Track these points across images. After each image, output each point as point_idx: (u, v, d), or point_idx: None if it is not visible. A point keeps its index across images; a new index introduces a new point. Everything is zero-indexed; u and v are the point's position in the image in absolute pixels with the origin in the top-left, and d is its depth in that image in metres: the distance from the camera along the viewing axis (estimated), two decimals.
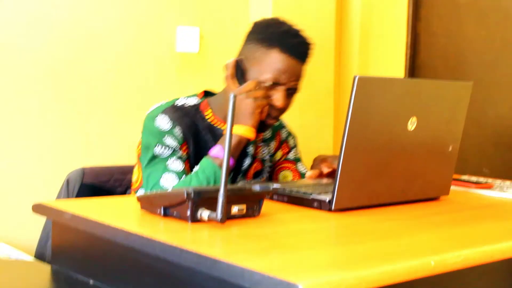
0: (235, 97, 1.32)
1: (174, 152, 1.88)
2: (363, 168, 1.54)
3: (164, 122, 1.91)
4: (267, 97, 1.90)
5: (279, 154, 2.17)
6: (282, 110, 1.94)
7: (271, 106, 1.91)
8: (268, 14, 3.33)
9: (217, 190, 1.29)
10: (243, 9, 3.33)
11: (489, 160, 3.24)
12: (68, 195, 2.26)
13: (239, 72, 1.94)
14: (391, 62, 3.61)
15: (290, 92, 1.95)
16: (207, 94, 2.07)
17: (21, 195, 2.72)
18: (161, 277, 1.23)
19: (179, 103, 2.00)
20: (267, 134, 2.14)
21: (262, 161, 2.12)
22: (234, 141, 1.83)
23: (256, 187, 1.41)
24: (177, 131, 1.91)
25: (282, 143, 2.18)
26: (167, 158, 1.87)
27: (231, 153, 1.74)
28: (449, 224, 1.49)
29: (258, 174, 2.11)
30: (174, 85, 3.05)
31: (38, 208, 1.51)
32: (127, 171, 2.36)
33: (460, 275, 1.42)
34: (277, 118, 1.97)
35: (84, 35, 2.87)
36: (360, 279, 1.03)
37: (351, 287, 1.01)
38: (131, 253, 1.27)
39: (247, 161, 2.05)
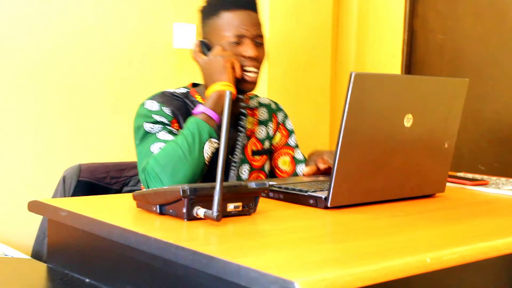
0: (231, 93, 1.32)
1: (164, 127, 1.93)
2: (359, 165, 1.54)
3: (152, 105, 1.97)
4: (238, 54, 1.97)
5: (278, 137, 2.20)
6: (255, 59, 1.99)
7: (244, 59, 1.97)
8: (265, 11, 3.33)
9: (213, 188, 1.29)
10: None
11: (484, 157, 3.24)
12: (64, 192, 2.26)
13: (206, 50, 2.01)
14: (388, 59, 3.61)
15: (258, 42, 2.01)
16: (194, 85, 2.13)
17: (17, 193, 2.72)
18: (157, 274, 1.23)
19: (168, 91, 2.06)
20: (263, 114, 2.18)
21: (261, 141, 2.14)
22: (213, 97, 1.90)
23: (252, 184, 1.41)
24: (166, 109, 1.96)
25: (279, 125, 2.22)
26: (156, 133, 1.91)
27: (212, 108, 1.86)
28: (445, 221, 1.50)
29: (257, 153, 2.12)
30: (171, 81, 3.05)
31: (34, 206, 1.51)
32: (124, 167, 2.37)
33: (456, 272, 1.43)
34: (254, 71, 2.00)
35: (80, 31, 2.87)
36: (356, 276, 1.03)
37: (347, 284, 1.01)
38: (127, 251, 1.27)
39: (242, 136, 2.06)
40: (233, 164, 2.03)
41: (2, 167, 2.71)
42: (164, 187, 1.39)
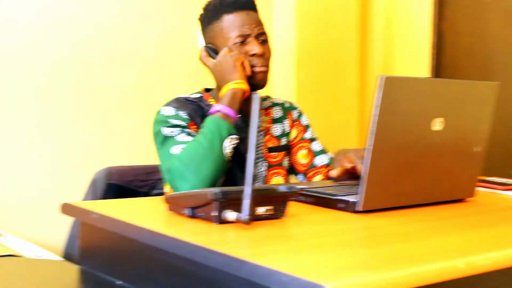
0: (260, 97, 1.32)
1: (182, 130, 1.95)
2: (389, 169, 1.54)
3: (168, 110, 2.00)
4: (244, 53, 2.01)
5: (294, 133, 2.22)
6: (263, 56, 2.04)
7: (252, 57, 2.01)
8: (292, 14, 3.33)
9: (243, 191, 1.29)
10: (267, 9, 3.33)
11: None
12: (94, 195, 2.27)
13: (213, 53, 2.05)
14: (416, 62, 3.59)
15: (262, 39, 2.06)
16: (207, 90, 2.16)
17: (48, 195, 2.74)
18: (188, 278, 1.23)
19: (181, 96, 2.09)
20: (277, 113, 2.21)
21: (278, 138, 2.17)
22: (228, 95, 1.93)
23: (282, 188, 1.41)
24: (182, 113, 1.99)
25: (294, 121, 2.24)
26: (175, 136, 1.93)
27: (229, 105, 1.90)
28: (476, 226, 1.48)
29: (274, 149, 2.15)
30: (198, 81, 3.03)
31: (67, 209, 1.53)
32: (152, 171, 2.37)
33: (489, 278, 1.41)
34: (263, 66, 2.03)
35: (109, 36, 2.89)
36: (387, 281, 1.02)
37: None
38: (158, 253, 1.28)
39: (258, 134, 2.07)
40: (261, 160, 2.07)
41: (34, 170, 2.73)
42: (195, 190, 1.40)
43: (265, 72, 2.04)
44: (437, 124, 1.60)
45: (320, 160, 2.18)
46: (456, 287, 1.36)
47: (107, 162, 2.41)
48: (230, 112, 1.90)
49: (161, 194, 2.24)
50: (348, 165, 1.85)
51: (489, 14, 3.33)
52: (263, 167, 2.10)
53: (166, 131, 1.94)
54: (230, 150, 1.87)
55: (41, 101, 2.75)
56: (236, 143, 1.89)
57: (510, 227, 1.49)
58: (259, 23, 2.06)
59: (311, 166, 2.17)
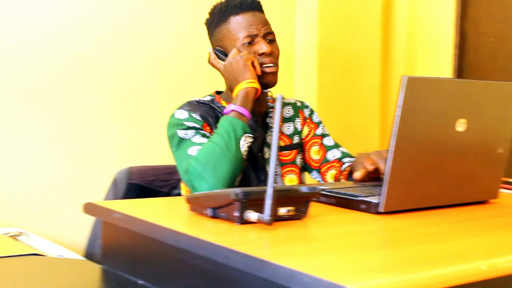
0: (282, 97, 1.32)
1: (197, 131, 1.96)
2: (411, 170, 1.53)
3: (181, 114, 2.01)
4: (253, 53, 2.03)
5: (306, 130, 2.23)
6: (271, 54, 2.05)
7: (261, 56, 2.03)
8: (314, 15, 3.33)
9: (265, 192, 1.29)
10: (290, 10, 3.34)
11: None
12: (115, 194, 2.29)
13: (222, 56, 2.07)
14: (439, 62, 3.57)
15: (269, 39, 2.07)
16: (218, 93, 2.18)
17: (70, 195, 2.76)
18: (209, 278, 1.24)
19: (193, 100, 2.10)
20: (288, 112, 2.23)
21: (289, 136, 2.18)
22: (241, 95, 1.94)
23: (303, 189, 1.41)
24: (195, 115, 2.00)
25: (306, 119, 2.25)
26: (190, 138, 1.94)
27: (242, 105, 1.91)
28: (499, 228, 1.48)
29: (286, 148, 2.16)
30: (217, 85, 3.06)
31: (89, 208, 1.53)
32: (172, 171, 2.38)
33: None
34: (273, 65, 2.05)
35: (131, 40, 2.91)
36: (409, 283, 1.02)
37: None
38: (180, 253, 1.28)
39: (270, 133, 2.11)
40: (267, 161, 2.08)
41: (57, 171, 2.75)
42: (217, 191, 1.40)
43: (275, 71, 2.05)
44: (460, 125, 1.59)
45: (332, 155, 2.18)
46: None
47: (128, 162, 2.43)
48: (244, 111, 1.91)
49: (181, 194, 2.25)
50: (371, 167, 1.84)
51: None
52: (279, 168, 2.11)
53: (181, 133, 1.95)
54: (245, 149, 1.88)
55: (65, 104, 2.77)
56: (251, 142, 1.90)
57: None
58: (265, 23, 2.07)
59: (324, 161, 2.18)
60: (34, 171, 2.71)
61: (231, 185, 1.84)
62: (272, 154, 1.29)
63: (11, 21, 2.64)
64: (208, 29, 2.14)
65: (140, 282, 1.40)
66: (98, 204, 1.52)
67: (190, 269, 1.28)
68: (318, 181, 2.20)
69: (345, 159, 2.16)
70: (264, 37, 2.05)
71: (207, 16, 2.13)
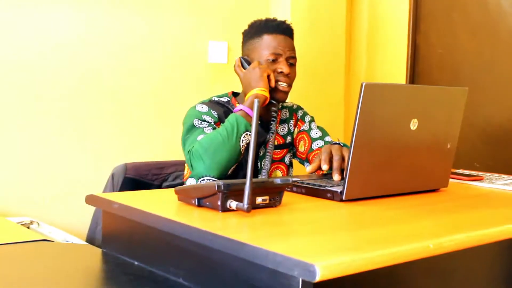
0: (258, 101, 1.33)
1: (210, 124, 1.98)
2: (370, 164, 1.54)
3: (202, 107, 2.04)
4: (273, 70, 2.04)
5: (296, 131, 2.23)
6: (288, 75, 2.07)
7: (279, 74, 2.05)
8: None
9: (244, 183, 1.30)
10: None
11: (479, 155, 3.22)
12: (113, 187, 2.28)
13: (246, 65, 2.07)
14: (394, 70, 3.60)
15: (291, 62, 2.10)
16: (233, 93, 2.19)
17: (73, 188, 2.75)
18: (196, 258, 1.24)
19: (215, 98, 2.12)
20: (285, 115, 2.23)
21: (283, 136, 2.19)
22: (251, 98, 1.97)
23: (277, 180, 1.42)
24: (214, 112, 2.03)
25: (298, 120, 2.25)
26: (203, 128, 1.96)
27: (250, 107, 1.93)
28: (446, 212, 1.49)
29: (279, 147, 2.17)
30: (206, 91, 3.07)
31: (91, 199, 1.53)
32: (163, 166, 2.39)
33: (455, 256, 1.42)
34: (287, 85, 2.07)
35: (128, 48, 2.90)
36: (367, 260, 1.03)
37: (360, 267, 1.02)
38: (170, 238, 1.29)
39: (271, 136, 2.13)
40: (267, 156, 2.10)
41: (62, 167, 2.74)
42: (202, 183, 1.40)
43: (287, 91, 2.08)
44: (413, 125, 1.60)
45: (316, 144, 2.18)
46: (426, 265, 1.37)
47: (124, 159, 2.43)
48: (250, 112, 1.93)
49: (171, 186, 2.25)
50: (325, 167, 1.76)
51: (457, 29, 3.34)
52: (267, 162, 2.11)
53: (197, 122, 1.97)
54: (244, 144, 1.90)
55: (69, 107, 2.76)
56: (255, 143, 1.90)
57: (474, 213, 1.50)
58: (292, 48, 2.10)
59: (309, 151, 2.18)
60: (43, 168, 2.70)
61: (225, 171, 1.85)
62: (250, 153, 1.30)
63: (30, 32, 2.63)
64: (243, 38, 2.16)
65: (136, 263, 1.39)
66: (99, 195, 1.52)
67: (179, 251, 1.28)
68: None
69: None
70: (287, 59, 2.07)
71: (246, 27, 2.15)
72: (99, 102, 2.83)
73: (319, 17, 3.45)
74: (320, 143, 2.18)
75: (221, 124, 1.99)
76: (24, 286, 1.22)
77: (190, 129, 1.97)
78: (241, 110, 1.94)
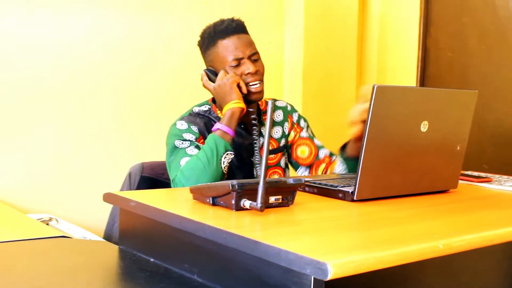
0: (232, 114, 1.32)
1: (191, 143, 1.92)
2: (381, 164, 1.53)
3: (181, 125, 1.97)
4: (240, 74, 1.97)
5: (292, 134, 2.17)
6: (256, 73, 1.99)
7: (247, 75, 1.97)
8: (300, 35, 3.33)
9: (257, 183, 1.29)
10: (279, 32, 3.34)
11: (488, 157, 3.21)
12: (130, 186, 2.28)
13: (213, 76, 2.00)
14: (405, 73, 3.59)
15: (254, 59, 2.00)
16: (213, 99, 2.09)
17: (92, 186, 2.76)
18: (210, 256, 1.24)
19: (194, 110, 2.05)
20: (279, 116, 2.16)
21: (277, 140, 2.13)
22: (227, 115, 1.90)
23: (290, 180, 1.41)
24: (193, 128, 1.96)
25: (294, 124, 2.18)
26: (185, 148, 1.90)
27: (227, 124, 1.87)
28: (455, 212, 1.48)
29: (272, 151, 2.10)
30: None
31: (108, 197, 1.53)
32: None
33: (465, 256, 1.41)
34: (258, 83, 1.99)
35: (144, 56, 2.91)
36: (378, 259, 1.03)
37: (371, 266, 1.02)
38: (185, 235, 1.29)
39: (261, 140, 2.06)
40: (257, 164, 2.04)
41: (81, 166, 2.75)
42: (216, 183, 1.40)
43: (261, 89, 2.00)
44: (423, 127, 1.59)
45: (323, 153, 2.16)
46: (436, 265, 1.37)
47: (141, 158, 2.43)
48: (228, 130, 1.87)
49: None
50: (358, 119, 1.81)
51: (467, 33, 3.33)
52: (263, 169, 2.06)
53: (179, 143, 1.92)
54: (226, 165, 1.85)
55: (90, 109, 2.77)
56: (232, 157, 1.86)
57: (483, 214, 1.49)
58: (250, 44, 2.01)
59: (316, 159, 2.16)
60: (62, 166, 2.71)
61: None
62: (264, 152, 1.30)
63: (46, 34, 2.64)
64: (200, 50, 2.08)
65: (152, 260, 1.40)
66: (116, 194, 1.52)
67: (194, 248, 1.28)
68: (304, 175, 2.18)
69: (333, 157, 2.14)
70: (249, 58, 1.98)
71: (199, 39, 2.08)
72: (117, 106, 2.84)
73: (331, 22, 3.45)
74: (325, 151, 2.15)
75: (204, 136, 1.95)
76: (42, 280, 1.23)
77: (173, 150, 1.92)
78: (218, 129, 1.87)
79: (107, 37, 2.80)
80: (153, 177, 2.32)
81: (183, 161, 1.86)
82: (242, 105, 1.93)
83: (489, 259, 1.60)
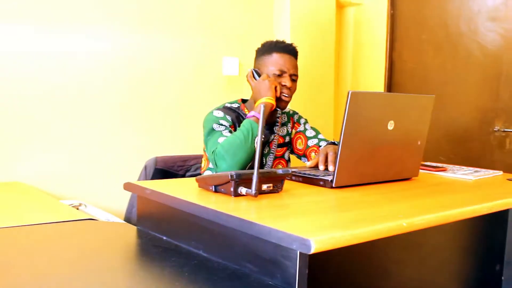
0: (264, 106, 1.32)
1: (226, 128, 1.96)
2: (355, 157, 1.54)
3: (218, 113, 2.01)
4: (279, 83, 2.02)
5: (293, 132, 2.21)
6: (290, 89, 2.05)
7: (282, 86, 2.02)
8: None
9: (252, 173, 1.30)
10: None
11: (443, 150, 3.21)
12: (146, 176, 2.28)
13: (257, 75, 2.05)
14: (375, 81, 3.59)
15: (293, 78, 2.06)
16: (243, 100, 2.16)
17: (114, 177, 2.75)
18: (213, 234, 1.24)
19: (227, 105, 2.10)
20: (284, 119, 2.21)
21: (283, 137, 2.18)
22: (261, 106, 1.90)
23: (279, 171, 1.41)
24: (228, 117, 2.00)
25: (295, 123, 2.23)
26: (221, 131, 1.94)
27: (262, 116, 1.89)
28: (417, 196, 1.48)
29: (280, 145, 2.15)
30: (220, 98, 3.06)
31: (128, 186, 1.53)
32: (186, 159, 2.38)
33: (425, 233, 1.41)
34: (288, 96, 2.05)
35: (160, 64, 2.90)
36: (353, 236, 1.03)
37: (347, 241, 1.02)
38: (192, 217, 1.29)
39: (274, 136, 2.13)
40: (271, 154, 2.09)
41: (106, 159, 2.74)
42: (218, 173, 1.40)
43: (287, 101, 2.06)
44: (390, 125, 1.59)
45: (312, 142, 2.17)
46: (401, 240, 1.37)
47: (155, 153, 2.43)
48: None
49: (193, 175, 2.25)
50: (322, 167, 1.76)
51: (425, 48, 3.33)
52: (270, 158, 2.10)
53: (216, 126, 1.95)
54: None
55: (115, 112, 2.76)
56: (262, 141, 1.89)
57: (439, 197, 1.49)
58: (295, 67, 2.07)
59: (306, 147, 2.17)
60: (90, 160, 2.70)
61: (243, 168, 1.84)
62: (256, 150, 1.30)
63: (90, 49, 2.64)
64: (256, 54, 2.12)
65: (165, 238, 1.39)
66: (134, 183, 1.52)
67: (199, 228, 1.28)
68: (306, 162, 2.18)
69: (321, 143, 2.15)
70: (290, 75, 2.04)
71: (259, 46, 2.13)
72: (136, 108, 2.83)
73: (313, 37, 3.44)
74: (315, 141, 2.17)
75: (235, 126, 1.99)
76: (73, 257, 1.22)
77: (211, 132, 1.94)
78: (253, 116, 1.91)
79: (134, 53, 2.79)
80: (165, 169, 2.32)
81: (221, 139, 1.89)
82: (274, 102, 1.97)
83: (445, 235, 1.60)
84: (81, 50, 2.66)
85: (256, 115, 1.92)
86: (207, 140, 1.95)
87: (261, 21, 3.31)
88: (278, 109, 2.10)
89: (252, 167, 1.97)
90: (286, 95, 2.04)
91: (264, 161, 2.08)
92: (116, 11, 2.75)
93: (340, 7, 3.72)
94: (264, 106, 1.92)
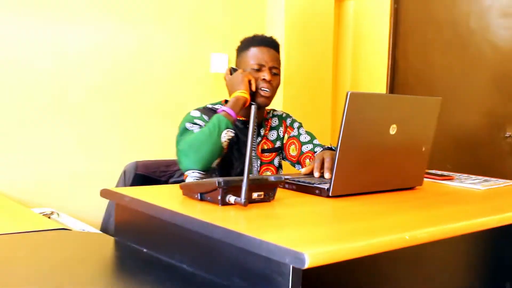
0: (255, 107, 1.32)
1: (200, 127, 1.97)
2: (354, 164, 1.54)
3: (195, 113, 2.04)
4: (257, 78, 2.05)
5: (286, 137, 2.23)
6: (270, 82, 2.07)
7: (262, 81, 2.05)
8: (282, 48, 3.34)
9: (241, 180, 1.29)
10: None
11: (450, 158, 3.23)
12: (125, 182, 2.28)
13: (233, 72, 2.07)
14: (376, 81, 3.60)
15: (274, 72, 2.09)
16: (226, 101, 2.17)
17: (90, 183, 2.75)
18: (198, 246, 1.24)
19: (208, 106, 2.13)
20: (275, 122, 2.23)
21: (273, 141, 2.18)
22: (232, 100, 1.98)
23: (271, 178, 1.41)
24: (205, 117, 2.02)
25: (287, 127, 2.24)
26: (193, 130, 1.96)
27: (231, 107, 1.94)
28: (421, 207, 1.48)
29: (267, 151, 2.16)
30: (208, 97, 3.07)
31: (105, 193, 1.52)
32: (170, 164, 2.38)
33: (428, 247, 1.42)
34: (268, 91, 2.07)
35: (141, 59, 2.90)
36: (350, 250, 1.03)
37: (344, 256, 1.02)
38: (175, 228, 1.28)
39: (259, 139, 2.14)
40: (253, 158, 2.11)
41: (80, 164, 2.74)
42: (204, 180, 1.40)
43: (268, 96, 2.07)
44: (392, 130, 1.59)
45: (306, 147, 2.18)
46: (403, 254, 1.37)
47: (135, 157, 2.42)
48: (231, 112, 1.93)
49: (177, 182, 2.24)
50: (317, 174, 1.78)
51: (431, 47, 3.35)
52: (256, 164, 2.11)
53: (189, 125, 1.98)
54: (225, 140, 1.88)
55: (87, 113, 2.75)
56: (232, 136, 1.91)
57: (444, 209, 1.49)
58: (275, 59, 2.10)
59: (300, 153, 2.18)
60: (63, 165, 2.70)
61: (208, 164, 1.84)
62: (247, 153, 1.30)
63: (54, 44, 2.63)
64: (236, 53, 2.16)
65: (145, 250, 1.39)
66: (112, 190, 1.51)
67: (183, 240, 1.28)
68: (300, 170, 2.19)
69: (316, 149, 2.16)
70: (270, 68, 2.07)
71: (239, 44, 2.16)
72: (114, 108, 2.83)
73: (310, 35, 3.46)
74: (309, 146, 2.18)
75: None
76: (43, 269, 1.22)
77: (183, 132, 1.97)
78: (223, 111, 1.94)
79: (106, 47, 2.79)
80: (146, 175, 2.31)
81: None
82: (247, 95, 2.00)
83: (450, 249, 1.60)
84: (56, 49, 2.66)
85: (226, 109, 1.94)
86: (178, 140, 1.97)
87: (253, 15, 3.32)
88: (261, 108, 2.11)
89: (228, 171, 1.98)
90: (266, 90, 2.06)
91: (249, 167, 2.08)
92: (98, 6, 2.75)
93: (338, 0, 3.74)
94: (237, 100, 1.96)
